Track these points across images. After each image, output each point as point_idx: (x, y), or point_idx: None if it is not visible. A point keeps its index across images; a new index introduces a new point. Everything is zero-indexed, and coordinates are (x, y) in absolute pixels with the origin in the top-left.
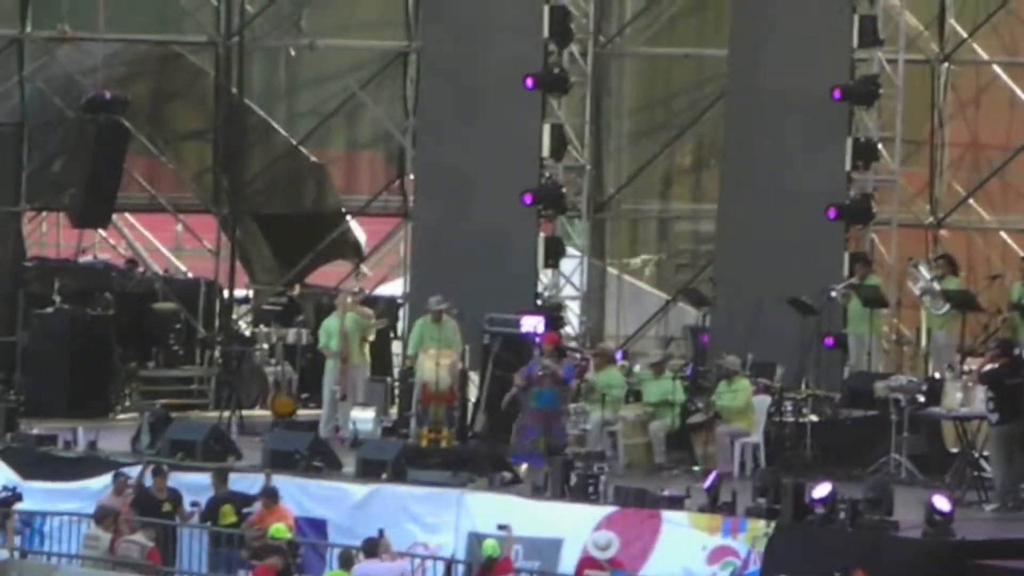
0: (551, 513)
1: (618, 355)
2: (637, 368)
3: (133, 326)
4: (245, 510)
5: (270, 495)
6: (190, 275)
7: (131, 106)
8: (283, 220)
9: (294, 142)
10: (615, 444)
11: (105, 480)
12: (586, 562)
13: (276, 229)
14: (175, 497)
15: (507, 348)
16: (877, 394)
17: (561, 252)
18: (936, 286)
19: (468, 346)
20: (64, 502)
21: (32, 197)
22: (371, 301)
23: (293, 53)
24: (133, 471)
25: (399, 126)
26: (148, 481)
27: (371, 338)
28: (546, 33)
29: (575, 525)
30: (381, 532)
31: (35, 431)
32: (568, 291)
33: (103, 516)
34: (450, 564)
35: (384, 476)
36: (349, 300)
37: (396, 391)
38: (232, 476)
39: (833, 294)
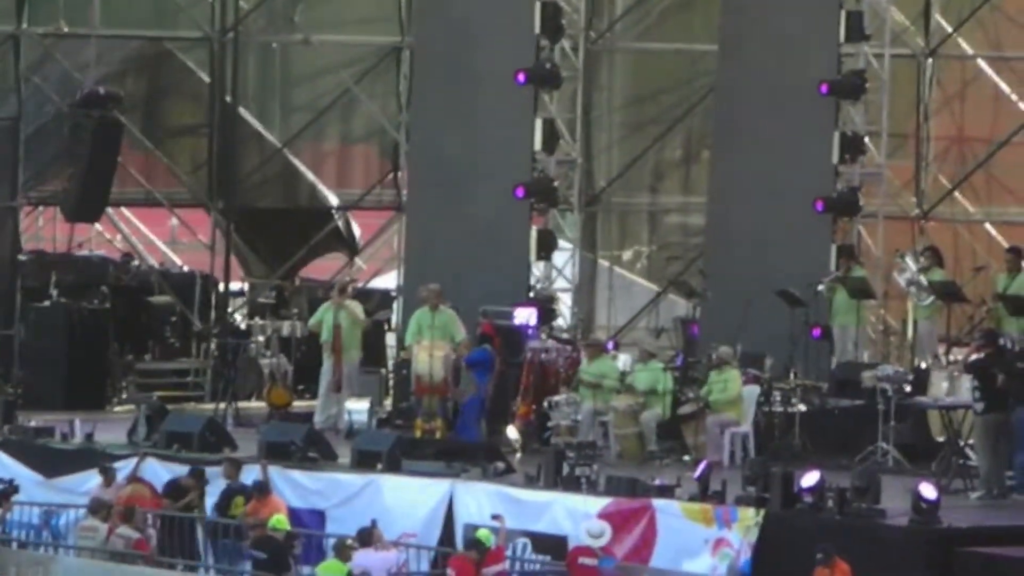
0: (548, 506)
1: (609, 345)
2: (624, 360)
3: (129, 319)
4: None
5: (261, 487)
6: (185, 269)
7: (126, 102)
8: (278, 214)
9: (279, 144)
10: (607, 434)
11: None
12: (579, 550)
13: (271, 223)
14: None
15: (501, 339)
16: (864, 384)
17: (553, 245)
18: (922, 278)
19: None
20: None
21: (28, 191)
22: (366, 294)
23: (302, 39)
24: (120, 464)
25: (393, 121)
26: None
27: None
28: (537, 29)
29: (576, 519)
30: (373, 522)
31: (32, 423)
32: (560, 283)
33: (98, 507)
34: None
35: (379, 467)
36: (338, 295)
37: (391, 383)
38: None
39: (820, 288)
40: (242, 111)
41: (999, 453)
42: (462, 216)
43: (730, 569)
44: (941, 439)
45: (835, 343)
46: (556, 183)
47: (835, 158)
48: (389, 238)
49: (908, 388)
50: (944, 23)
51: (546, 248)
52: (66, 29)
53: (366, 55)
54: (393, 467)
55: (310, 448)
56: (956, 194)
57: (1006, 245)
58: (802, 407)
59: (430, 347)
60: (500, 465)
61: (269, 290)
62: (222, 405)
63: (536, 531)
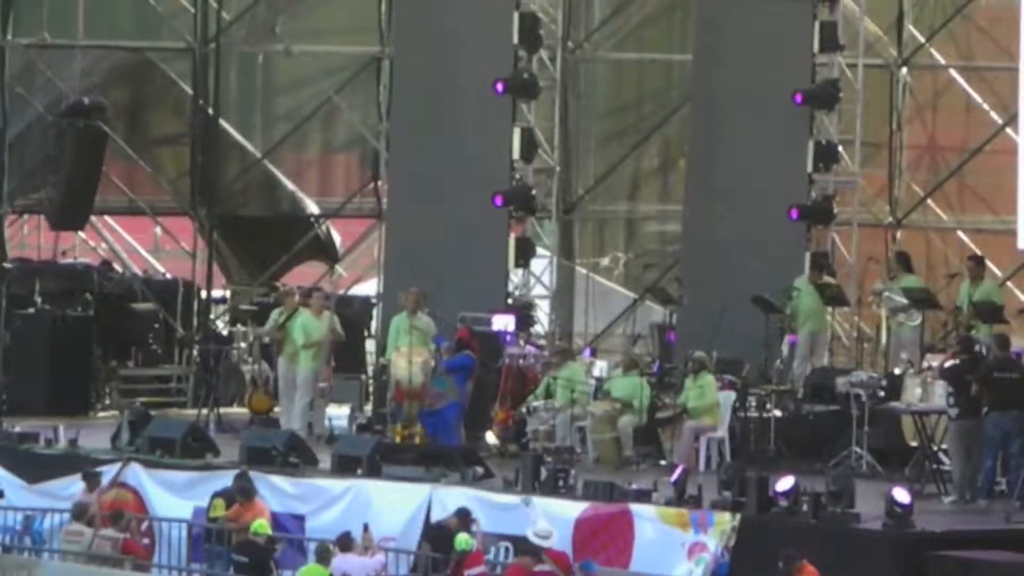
0: (525, 510)
1: (586, 352)
2: (600, 367)
3: (113, 326)
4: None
5: (244, 492)
6: (168, 276)
7: (110, 111)
8: (259, 222)
9: (260, 154)
10: (584, 439)
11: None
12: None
13: (252, 231)
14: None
15: (478, 345)
16: (838, 389)
17: (531, 252)
18: (899, 296)
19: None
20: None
21: (13, 200)
22: (346, 301)
23: (283, 49)
24: (104, 468)
25: (373, 130)
26: (129, 479)
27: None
28: (516, 39)
29: (554, 524)
30: (366, 526)
31: (17, 429)
32: (538, 290)
33: (82, 512)
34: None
35: (359, 472)
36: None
37: (371, 388)
38: (209, 473)
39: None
40: (223, 121)
41: (972, 458)
42: (441, 224)
43: (706, 573)
44: (914, 444)
45: (801, 348)
46: (534, 191)
47: (809, 167)
48: (369, 246)
49: (882, 394)
50: (917, 34)
51: (524, 256)
52: (50, 40)
53: (346, 65)
54: (373, 472)
55: (291, 453)
56: (929, 202)
57: (978, 252)
58: (777, 412)
59: (409, 353)
60: (479, 470)
61: (264, 295)
62: (204, 411)
63: (515, 535)
